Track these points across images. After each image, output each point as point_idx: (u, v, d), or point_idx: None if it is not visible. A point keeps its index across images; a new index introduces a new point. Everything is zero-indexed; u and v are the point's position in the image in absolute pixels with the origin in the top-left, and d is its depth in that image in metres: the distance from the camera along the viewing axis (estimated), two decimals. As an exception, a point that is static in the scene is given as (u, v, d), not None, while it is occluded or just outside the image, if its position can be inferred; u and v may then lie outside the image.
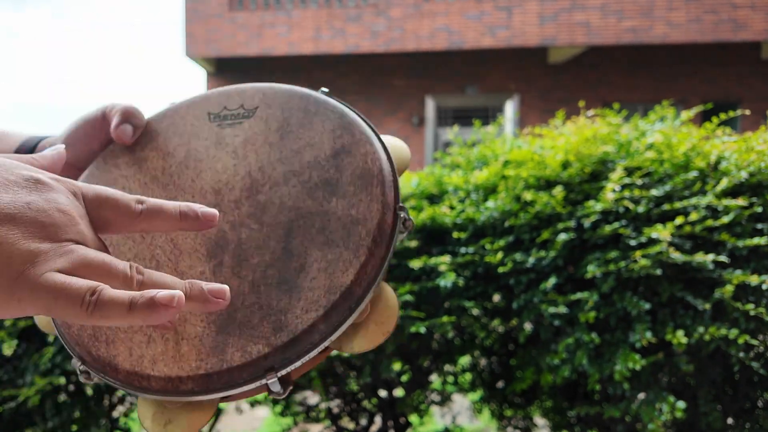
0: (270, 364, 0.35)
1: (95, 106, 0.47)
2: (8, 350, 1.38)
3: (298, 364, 0.35)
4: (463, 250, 1.57)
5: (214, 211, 0.35)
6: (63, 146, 0.38)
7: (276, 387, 0.35)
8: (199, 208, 0.35)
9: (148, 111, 0.49)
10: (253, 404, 2.03)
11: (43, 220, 0.28)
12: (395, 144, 0.45)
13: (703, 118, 7.29)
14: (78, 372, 0.37)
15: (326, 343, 0.36)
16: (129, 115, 0.46)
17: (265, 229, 0.39)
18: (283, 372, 0.35)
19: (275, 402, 1.91)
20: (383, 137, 0.44)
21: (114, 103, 0.47)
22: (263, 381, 0.35)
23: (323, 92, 0.47)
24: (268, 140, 0.44)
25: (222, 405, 2.06)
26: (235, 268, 0.38)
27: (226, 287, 0.31)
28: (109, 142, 0.48)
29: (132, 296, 0.27)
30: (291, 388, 0.36)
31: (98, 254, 0.29)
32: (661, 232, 1.32)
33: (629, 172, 1.52)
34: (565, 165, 1.61)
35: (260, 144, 0.44)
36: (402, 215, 0.40)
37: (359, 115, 0.45)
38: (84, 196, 0.32)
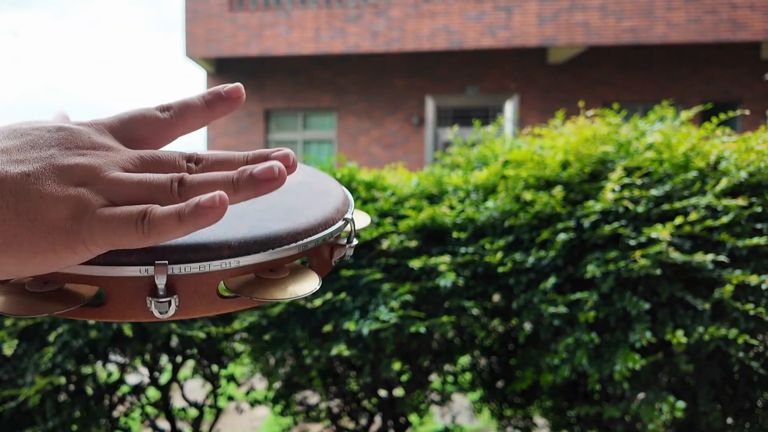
0: (165, 256, 0.32)
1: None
2: (8, 350, 1.38)
3: (195, 268, 0.32)
4: (463, 250, 1.57)
5: (238, 84, 0.36)
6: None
7: (162, 282, 0.31)
8: (222, 87, 0.35)
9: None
10: (253, 404, 2.03)
11: (74, 163, 0.29)
12: (361, 216, 0.49)
13: (703, 118, 7.29)
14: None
15: (232, 263, 0.33)
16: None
17: (251, 204, 0.39)
18: (177, 269, 0.31)
19: (275, 401, 1.91)
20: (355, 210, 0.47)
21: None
22: (149, 269, 0.31)
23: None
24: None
25: (222, 404, 2.06)
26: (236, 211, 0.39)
27: (277, 164, 0.30)
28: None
29: (179, 209, 0.28)
30: (174, 307, 0.32)
31: (138, 177, 0.30)
32: (661, 232, 1.32)
33: (629, 172, 1.52)
34: (565, 165, 1.61)
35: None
36: (350, 219, 0.41)
37: (339, 183, 0.48)
38: (110, 126, 0.33)
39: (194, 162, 0.33)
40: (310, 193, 0.43)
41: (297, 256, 0.37)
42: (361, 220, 0.49)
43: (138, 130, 0.34)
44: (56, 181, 0.28)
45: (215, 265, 0.33)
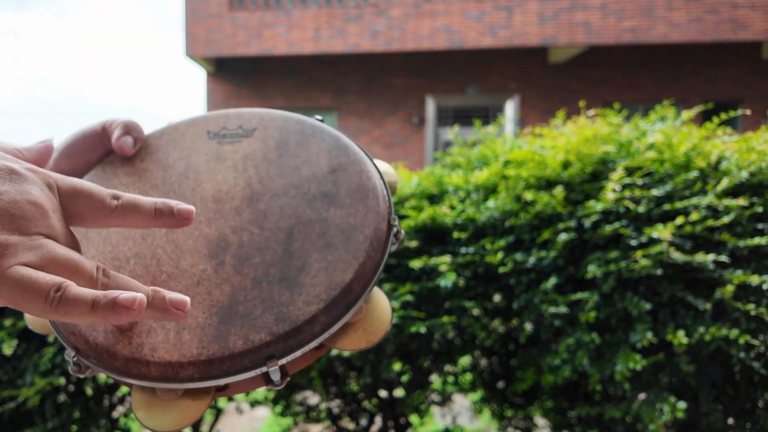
0: (271, 352, 0.35)
1: (94, 120, 0.48)
2: (8, 350, 1.38)
3: (298, 353, 0.36)
4: (463, 250, 1.57)
5: (191, 207, 0.36)
6: (51, 139, 0.39)
7: (276, 376, 0.35)
8: (176, 204, 0.35)
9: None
10: (253, 404, 2.03)
11: (14, 212, 0.28)
12: (386, 168, 0.48)
13: (704, 118, 7.29)
14: (70, 363, 0.37)
15: (326, 335, 0.36)
16: (130, 128, 0.47)
17: (266, 233, 0.41)
18: (284, 360, 0.35)
19: (275, 402, 1.91)
20: (375, 161, 0.47)
21: (114, 118, 0.48)
22: (264, 369, 0.35)
23: (317, 119, 0.49)
24: (267, 157, 0.46)
25: (222, 405, 2.05)
26: (236, 266, 0.39)
27: (187, 299, 0.32)
28: (108, 155, 0.48)
29: (95, 295, 0.27)
30: (288, 379, 0.36)
31: (67, 251, 0.30)
32: (662, 232, 1.31)
33: (630, 172, 1.52)
34: (566, 165, 1.60)
35: (259, 160, 0.46)
36: (395, 226, 0.42)
37: (352, 140, 0.48)
38: (59, 188, 0.32)
39: (105, 276, 0.31)
40: (349, 192, 0.43)
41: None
42: (393, 178, 0.48)
43: (80, 205, 0.33)
44: None
45: (312, 345, 0.36)
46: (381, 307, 0.40)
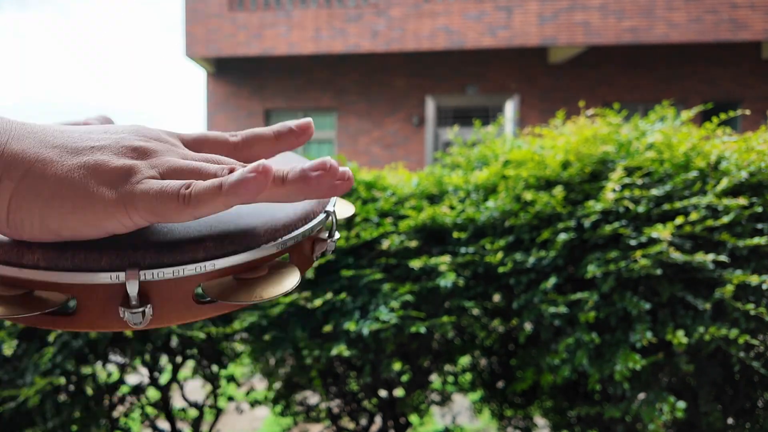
0: (137, 259, 0.29)
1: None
2: (8, 350, 1.38)
3: (169, 272, 0.30)
4: (463, 250, 1.57)
5: (308, 119, 0.38)
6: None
7: (134, 290, 0.29)
8: (292, 122, 0.38)
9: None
10: (253, 404, 2.03)
11: (137, 144, 0.31)
12: (344, 201, 0.48)
13: (704, 118, 7.29)
14: None
15: (208, 266, 0.31)
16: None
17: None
18: (149, 275, 0.29)
19: (275, 402, 1.91)
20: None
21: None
22: (121, 275, 0.29)
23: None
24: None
25: (222, 405, 2.06)
26: None
27: (331, 166, 0.30)
28: None
29: (221, 180, 0.29)
30: (147, 317, 0.30)
31: (188, 162, 0.31)
32: (662, 232, 1.32)
33: (629, 171, 1.52)
34: (565, 165, 1.60)
35: None
36: (331, 212, 0.39)
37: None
38: (181, 138, 0.36)
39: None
40: None
41: (276, 255, 0.35)
42: (345, 210, 0.47)
43: (207, 147, 0.36)
44: (115, 153, 0.30)
45: (190, 270, 0.30)
46: (289, 277, 0.35)
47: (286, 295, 0.35)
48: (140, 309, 0.30)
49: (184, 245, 0.31)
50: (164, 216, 0.29)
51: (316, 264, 1.54)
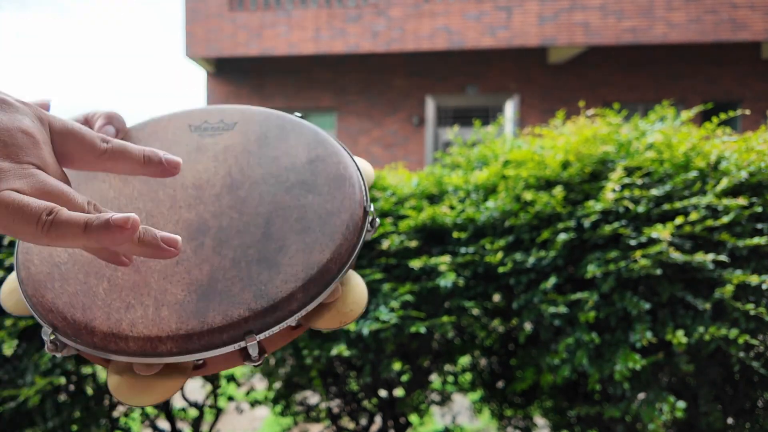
0: (249, 328, 0.36)
1: (76, 113, 0.48)
2: (8, 350, 1.38)
3: (276, 329, 0.36)
4: (463, 250, 1.57)
5: (178, 158, 0.37)
6: (49, 100, 0.39)
7: (254, 351, 0.36)
8: (164, 154, 0.36)
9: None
10: (253, 404, 2.03)
11: (5, 138, 0.28)
12: (364, 165, 0.50)
13: (703, 118, 7.29)
14: (47, 342, 0.36)
15: (303, 312, 0.37)
16: (112, 118, 0.47)
17: (246, 218, 0.42)
18: (262, 336, 0.36)
19: (275, 401, 1.91)
20: (354, 157, 0.49)
21: (96, 109, 0.48)
22: (242, 343, 0.35)
23: (297, 116, 0.51)
24: (247, 148, 0.47)
25: (222, 404, 2.06)
26: (216, 248, 0.40)
27: (178, 237, 0.33)
28: None
29: (88, 217, 0.27)
30: (265, 356, 0.37)
31: (58, 183, 0.29)
32: (661, 232, 1.32)
33: (629, 171, 1.52)
34: (565, 165, 1.61)
35: (239, 151, 0.47)
36: (371, 213, 0.43)
37: (331, 136, 0.50)
38: (51, 125, 0.32)
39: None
40: (326, 181, 0.44)
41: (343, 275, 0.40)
42: (370, 174, 0.49)
43: (71, 144, 0.33)
44: None
45: (291, 321, 0.37)
46: (357, 289, 0.41)
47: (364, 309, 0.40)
48: (260, 360, 0.37)
49: (281, 305, 0.37)
50: (17, 235, 0.27)
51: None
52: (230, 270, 0.38)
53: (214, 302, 0.36)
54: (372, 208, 0.43)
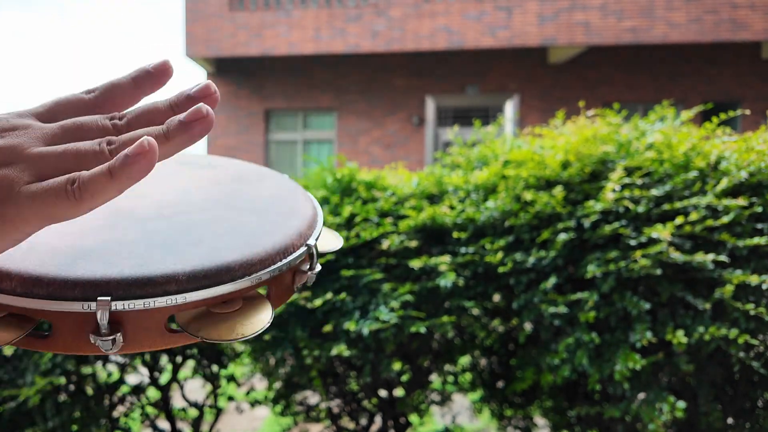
0: (109, 291, 0.31)
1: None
2: (9, 350, 1.38)
3: (140, 304, 0.31)
4: (463, 249, 1.57)
5: (165, 59, 0.35)
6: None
7: (104, 319, 0.30)
8: (149, 64, 0.34)
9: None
10: (253, 404, 2.03)
11: None
12: (330, 231, 0.49)
13: (703, 118, 7.29)
14: None
15: (179, 299, 0.32)
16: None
17: (177, 217, 0.40)
18: (120, 306, 0.30)
19: (275, 401, 1.91)
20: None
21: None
22: (92, 305, 0.30)
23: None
24: (219, 180, 0.47)
25: (222, 404, 2.06)
26: (125, 228, 0.37)
27: (203, 106, 0.30)
28: None
29: (108, 165, 0.27)
30: (118, 344, 0.31)
31: (57, 148, 0.29)
32: (661, 232, 1.32)
33: (629, 172, 1.52)
34: (565, 165, 1.61)
35: (210, 180, 0.47)
36: (312, 249, 0.40)
37: (312, 197, 0.49)
38: (34, 113, 0.32)
39: (118, 119, 0.32)
40: (277, 212, 0.42)
41: (251, 288, 0.35)
42: (331, 242, 0.47)
43: (64, 113, 0.33)
44: None
45: (161, 302, 0.31)
46: (260, 315, 0.36)
47: (257, 333, 0.35)
48: (110, 337, 0.31)
49: (157, 279, 0.32)
50: (59, 217, 0.27)
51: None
52: (124, 245, 0.35)
53: (84, 262, 0.32)
54: (315, 251, 0.40)
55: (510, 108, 8.01)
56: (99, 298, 0.30)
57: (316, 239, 0.41)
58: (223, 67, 8.33)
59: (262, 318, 0.34)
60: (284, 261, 0.37)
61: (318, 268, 0.41)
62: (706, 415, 1.40)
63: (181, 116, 0.30)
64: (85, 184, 0.27)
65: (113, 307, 0.30)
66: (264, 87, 8.36)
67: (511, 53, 7.81)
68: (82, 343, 0.32)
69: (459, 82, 8.08)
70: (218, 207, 0.42)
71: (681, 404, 1.29)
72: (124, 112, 0.32)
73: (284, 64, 8.20)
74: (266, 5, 7.56)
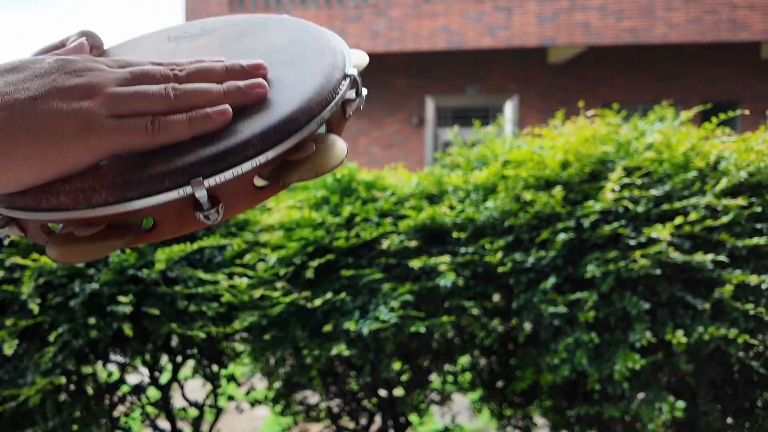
0: (196, 172, 0.32)
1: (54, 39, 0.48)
2: (9, 350, 1.38)
3: (229, 174, 0.33)
4: (462, 249, 1.57)
5: (260, 61, 0.39)
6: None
7: (203, 196, 0.32)
8: (245, 61, 0.38)
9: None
10: (253, 404, 2.03)
11: (77, 82, 0.32)
12: (355, 50, 0.48)
13: (703, 118, 7.29)
14: None
15: (261, 159, 0.34)
16: (86, 34, 0.46)
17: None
18: (213, 182, 0.32)
19: (275, 401, 1.91)
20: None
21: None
22: (188, 189, 0.32)
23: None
24: (224, 44, 0.46)
25: (222, 404, 2.06)
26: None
27: (260, 81, 0.35)
28: None
29: (189, 115, 0.32)
30: (221, 213, 0.34)
31: (128, 88, 0.33)
32: (661, 232, 1.32)
33: (629, 172, 1.52)
34: (565, 165, 1.61)
35: (215, 47, 0.46)
36: (351, 75, 0.41)
37: (321, 27, 0.48)
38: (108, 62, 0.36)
39: (178, 70, 0.36)
40: (304, 57, 0.42)
41: (316, 130, 0.38)
42: (360, 59, 0.47)
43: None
44: (61, 100, 0.31)
45: (246, 167, 0.34)
46: (334, 144, 0.38)
47: (341, 164, 0.38)
48: (213, 209, 0.33)
49: (235, 150, 0.34)
50: (133, 147, 0.32)
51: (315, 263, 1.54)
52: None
53: (158, 156, 0.33)
54: (356, 73, 0.41)
55: (510, 108, 8.01)
56: (192, 180, 0.32)
57: (351, 67, 0.42)
58: (223, 67, 8.33)
59: (340, 148, 0.38)
60: (336, 97, 0.39)
61: (365, 91, 0.43)
62: (706, 415, 1.41)
63: (241, 83, 0.35)
64: (164, 124, 0.32)
65: (207, 185, 0.32)
66: (264, 87, 8.36)
67: (511, 53, 7.81)
68: (188, 222, 0.34)
69: (459, 82, 8.08)
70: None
71: (680, 404, 1.29)
72: (183, 64, 0.37)
73: (284, 64, 8.20)
74: (266, 5, 7.57)
